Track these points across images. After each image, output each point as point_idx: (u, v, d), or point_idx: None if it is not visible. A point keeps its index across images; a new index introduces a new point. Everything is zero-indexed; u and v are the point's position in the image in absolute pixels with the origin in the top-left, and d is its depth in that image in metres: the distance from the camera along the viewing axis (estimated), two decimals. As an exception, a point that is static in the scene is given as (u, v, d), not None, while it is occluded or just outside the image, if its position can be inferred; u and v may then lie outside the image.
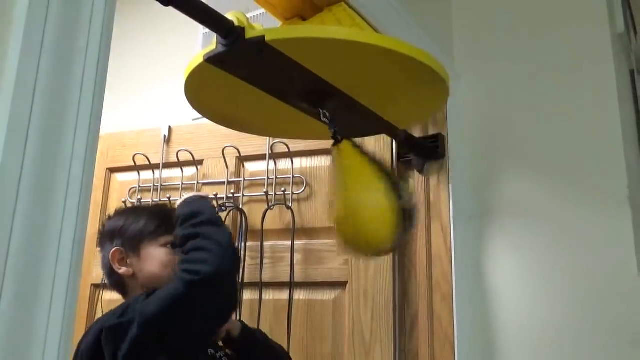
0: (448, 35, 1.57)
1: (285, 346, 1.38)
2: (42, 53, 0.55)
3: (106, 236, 1.10)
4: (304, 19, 1.10)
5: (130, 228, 1.08)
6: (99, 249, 1.13)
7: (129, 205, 1.65)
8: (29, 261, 0.52)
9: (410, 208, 0.94)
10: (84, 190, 0.57)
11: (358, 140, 1.42)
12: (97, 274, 1.59)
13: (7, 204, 0.51)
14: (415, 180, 1.41)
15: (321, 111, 1.00)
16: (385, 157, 1.42)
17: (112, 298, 1.49)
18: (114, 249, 1.07)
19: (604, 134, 1.31)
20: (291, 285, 1.42)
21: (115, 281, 1.09)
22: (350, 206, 0.95)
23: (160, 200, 1.63)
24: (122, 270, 1.06)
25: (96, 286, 1.62)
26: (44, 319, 0.52)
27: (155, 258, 1.06)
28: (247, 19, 0.90)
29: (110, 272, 1.08)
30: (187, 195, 1.09)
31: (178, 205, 1.07)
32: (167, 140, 1.69)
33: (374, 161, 0.97)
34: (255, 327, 1.41)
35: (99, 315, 1.52)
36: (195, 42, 1.99)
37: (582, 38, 1.39)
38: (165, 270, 1.05)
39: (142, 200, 1.65)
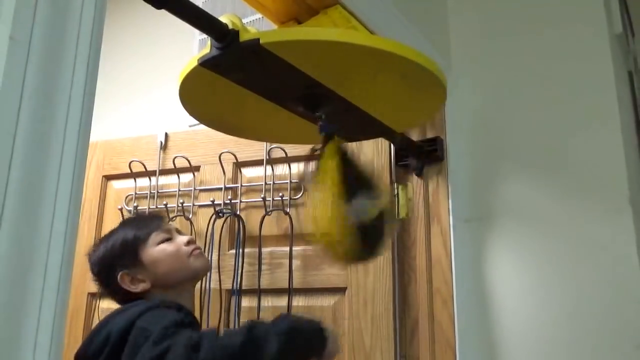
0: (445, 37, 1.57)
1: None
2: (29, 59, 0.54)
3: (101, 270, 1.08)
4: (299, 22, 1.10)
5: (117, 249, 1.07)
6: (97, 285, 1.11)
7: (125, 212, 1.64)
8: (17, 271, 0.50)
9: (370, 226, 0.90)
10: (74, 199, 0.56)
11: (352, 147, 1.42)
12: (93, 284, 1.58)
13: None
14: (414, 184, 1.41)
15: (317, 115, 0.99)
16: (384, 160, 1.42)
17: (109, 307, 1.48)
18: (119, 275, 1.05)
19: (604, 135, 1.30)
20: (290, 291, 1.41)
21: (136, 297, 1.06)
22: (313, 210, 0.94)
23: (156, 207, 1.61)
24: (140, 287, 1.05)
25: (93, 295, 1.60)
26: (32, 331, 0.51)
27: (161, 258, 1.07)
28: (242, 22, 0.89)
29: (126, 294, 1.05)
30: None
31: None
32: (164, 147, 1.68)
33: (355, 171, 0.95)
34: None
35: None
36: (191, 49, 1.99)
37: (580, 39, 1.39)
38: (176, 262, 1.07)
39: (138, 208, 1.63)
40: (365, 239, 0.91)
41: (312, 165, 0.96)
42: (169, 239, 1.10)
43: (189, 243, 1.11)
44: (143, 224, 1.11)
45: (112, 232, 1.14)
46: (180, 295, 1.08)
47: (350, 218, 0.88)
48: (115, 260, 1.07)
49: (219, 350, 0.82)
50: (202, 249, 1.15)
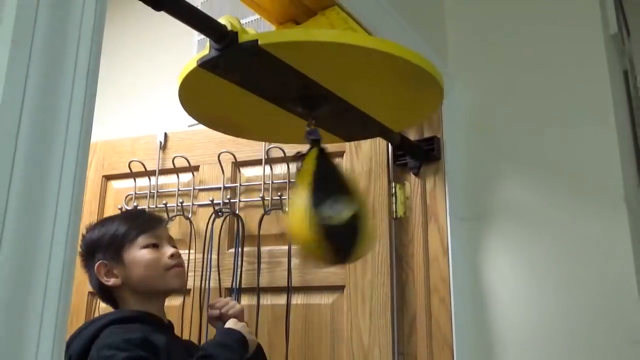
0: (442, 38, 1.57)
1: (283, 350, 1.37)
2: (30, 62, 0.54)
3: (86, 253, 1.10)
4: (297, 23, 1.10)
5: (105, 238, 1.09)
6: (81, 266, 1.11)
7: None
8: (20, 271, 0.51)
9: (343, 228, 0.90)
10: (75, 200, 0.56)
11: (348, 147, 1.43)
12: (94, 282, 1.59)
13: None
14: (412, 183, 1.41)
15: (310, 118, 1.00)
16: (381, 160, 1.42)
17: (108, 307, 1.48)
18: (97, 264, 1.07)
19: (599, 134, 1.31)
20: (289, 289, 1.41)
21: (106, 294, 1.10)
22: (289, 214, 0.95)
23: (156, 206, 1.62)
24: (111, 281, 1.07)
25: (93, 294, 1.61)
26: (36, 329, 0.51)
27: (140, 262, 1.06)
28: (241, 23, 0.89)
29: (99, 286, 1.09)
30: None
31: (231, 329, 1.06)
32: (163, 147, 1.68)
33: (332, 176, 0.95)
34: (254, 332, 1.40)
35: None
36: (190, 50, 1.99)
37: (576, 39, 1.40)
38: (153, 271, 1.06)
39: (138, 207, 1.64)
40: (338, 242, 0.91)
41: (297, 167, 0.97)
42: (155, 246, 1.09)
43: (172, 256, 1.09)
44: (139, 222, 1.11)
45: (111, 220, 1.15)
46: (149, 303, 1.07)
47: (321, 222, 0.89)
48: (100, 249, 1.08)
49: None
50: (185, 267, 1.15)
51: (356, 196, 0.95)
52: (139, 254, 1.07)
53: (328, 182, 0.94)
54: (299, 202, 0.91)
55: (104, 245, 1.08)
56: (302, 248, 0.91)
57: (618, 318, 1.19)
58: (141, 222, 1.12)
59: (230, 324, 1.07)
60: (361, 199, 0.95)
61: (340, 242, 0.91)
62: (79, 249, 1.11)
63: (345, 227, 0.91)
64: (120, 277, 1.06)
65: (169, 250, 1.10)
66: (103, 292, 1.10)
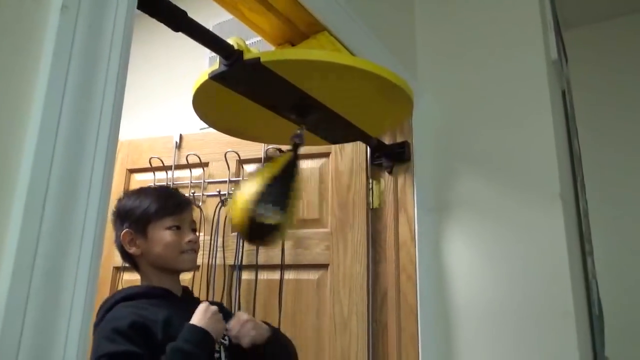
0: (413, 58, 1.58)
1: (277, 318, 1.37)
2: (68, 73, 0.54)
3: (117, 217, 1.05)
4: (293, 44, 1.10)
5: (137, 211, 1.03)
6: (113, 227, 1.06)
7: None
8: (56, 245, 0.51)
9: (263, 226, 0.90)
10: (104, 187, 0.56)
11: (334, 149, 1.42)
12: (118, 258, 1.57)
13: (38, 197, 0.50)
14: (386, 180, 1.42)
15: (301, 125, 1.00)
16: (361, 160, 1.43)
17: (130, 279, 1.48)
18: (124, 231, 1.02)
19: (541, 141, 1.32)
20: (282, 267, 1.42)
21: (128, 259, 1.05)
22: (235, 195, 0.95)
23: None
24: (132, 250, 1.02)
25: (117, 268, 1.60)
26: (69, 297, 0.51)
27: (160, 240, 1.01)
28: (246, 43, 0.89)
29: (122, 251, 1.04)
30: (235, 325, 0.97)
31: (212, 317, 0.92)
32: (178, 146, 1.67)
33: (288, 182, 0.95)
34: (252, 302, 1.40)
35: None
36: (202, 64, 1.98)
37: (523, 63, 1.41)
38: (169, 252, 1.01)
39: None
40: (258, 231, 0.91)
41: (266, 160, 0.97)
42: (178, 228, 1.03)
43: (189, 242, 1.03)
44: (169, 204, 1.04)
45: (145, 193, 1.06)
46: (163, 276, 1.02)
47: (255, 215, 0.89)
48: (129, 218, 1.03)
49: None
50: (198, 250, 1.08)
51: (290, 210, 0.93)
52: (162, 233, 1.01)
53: (277, 188, 0.92)
54: (247, 192, 0.90)
55: (134, 217, 1.02)
56: (232, 225, 0.93)
57: (552, 292, 1.21)
58: (171, 204, 1.04)
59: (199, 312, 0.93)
60: (293, 210, 0.94)
61: (257, 233, 0.92)
62: (113, 210, 1.06)
63: (266, 227, 0.91)
64: (141, 249, 1.02)
65: (188, 235, 1.04)
66: (123, 255, 1.05)
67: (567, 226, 1.26)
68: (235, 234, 1.50)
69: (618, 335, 1.91)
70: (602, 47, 2.44)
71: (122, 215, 1.04)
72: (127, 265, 1.07)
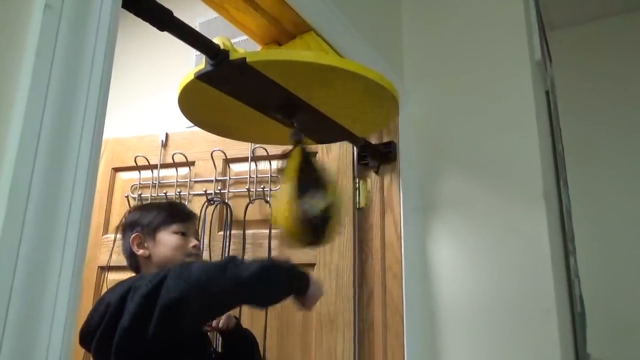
0: (400, 60, 1.59)
1: (263, 316, 1.38)
2: (52, 73, 0.54)
3: (127, 226, 1.13)
4: (279, 44, 1.11)
5: (147, 218, 1.11)
6: (120, 237, 1.14)
7: (130, 199, 1.63)
8: (39, 246, 0.51)
9: (315, 220, 0.90)
10: (88, 186, 0.56)
11: (321, 150, 1.43)
12: (103, 258, 1.56)
13: (20, 197, 0.50)
14: (372, 179, 1.43)
15: (292, 122, 1.00)
16: (348, 160, 1.43)
17: (116, 278, 1.46)
18: (134, 235, 1.09)
19: (525, 142, 1.34)
20: (269, 266, 1.42)
21: (133, 262, 1.11)
22: (274, 204, 0.96)
23: (157, 195, 1.60)
24: (140, 252, 1.09)
25: (102, 268, 1.59)
26: (52, 296, 0.51)
27: (168, 243, 1.09)
28: (232, 43, 0.89)
29: (129, 254, 1.10)
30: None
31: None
32: (164, 145, 1.67)
33: (312, 172, 0.95)
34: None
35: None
36: (189, 61, 1.97)
37: (508, 63, 1.42)
38: (175, 253, 1.08)
39: (142, 195, 1.62)
40: (313, 229, 0.91)
41: (281, 165, 0.97)
42: (184, 234, 1.11)
43: (194, 247, 1.12)
44: (176, 212, 1.13)
45: (154, 205, 1.18)
46: None
47: (301, 211, 0.90)
48: (139, 225, 1.10)
49: (207, 268, 0.85)
50: (201, 256, 1.17)
51: (331, 189, 0.95)
52: (170, 237, 1.09)
53: (308, 178, 0.94)
54: (284, 195, 0.92)
55: (144, 222, 1.10)
56: (284, 233, 0.92)
57: (535, 290, 1.22)
58: (179, 213, 1.14)
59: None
60: (335, 191, 0.96)
61: (315, 228, 0.92)
62: (122, 220, 1.16)
63: (320, 216, 0.92)
64: (149, 251, 1.09)
65: (193, 241, 1.12)
66: (130, 258, 1.11)
67: (550, 225, 1.27)
68: (225, 233, 1.50)
69: (600, 332, 1.95)
70: (586, 49, 2.48)
71: (132, 224, 1.12)
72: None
